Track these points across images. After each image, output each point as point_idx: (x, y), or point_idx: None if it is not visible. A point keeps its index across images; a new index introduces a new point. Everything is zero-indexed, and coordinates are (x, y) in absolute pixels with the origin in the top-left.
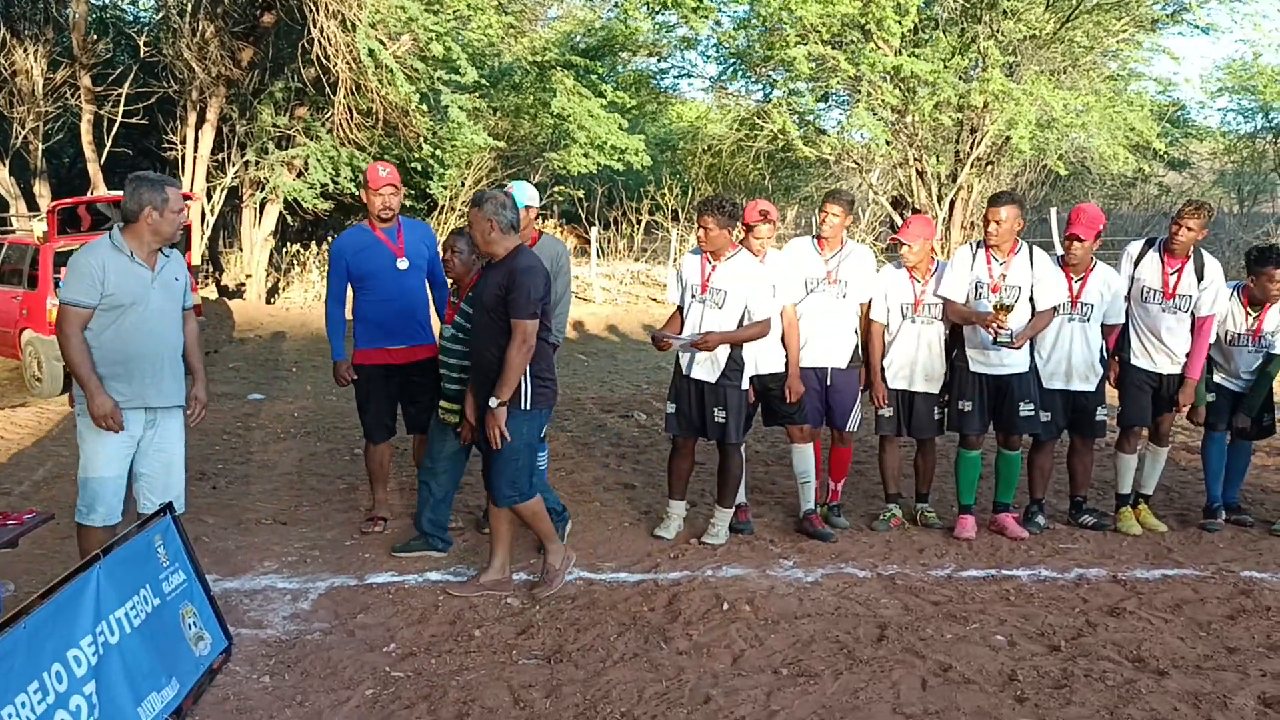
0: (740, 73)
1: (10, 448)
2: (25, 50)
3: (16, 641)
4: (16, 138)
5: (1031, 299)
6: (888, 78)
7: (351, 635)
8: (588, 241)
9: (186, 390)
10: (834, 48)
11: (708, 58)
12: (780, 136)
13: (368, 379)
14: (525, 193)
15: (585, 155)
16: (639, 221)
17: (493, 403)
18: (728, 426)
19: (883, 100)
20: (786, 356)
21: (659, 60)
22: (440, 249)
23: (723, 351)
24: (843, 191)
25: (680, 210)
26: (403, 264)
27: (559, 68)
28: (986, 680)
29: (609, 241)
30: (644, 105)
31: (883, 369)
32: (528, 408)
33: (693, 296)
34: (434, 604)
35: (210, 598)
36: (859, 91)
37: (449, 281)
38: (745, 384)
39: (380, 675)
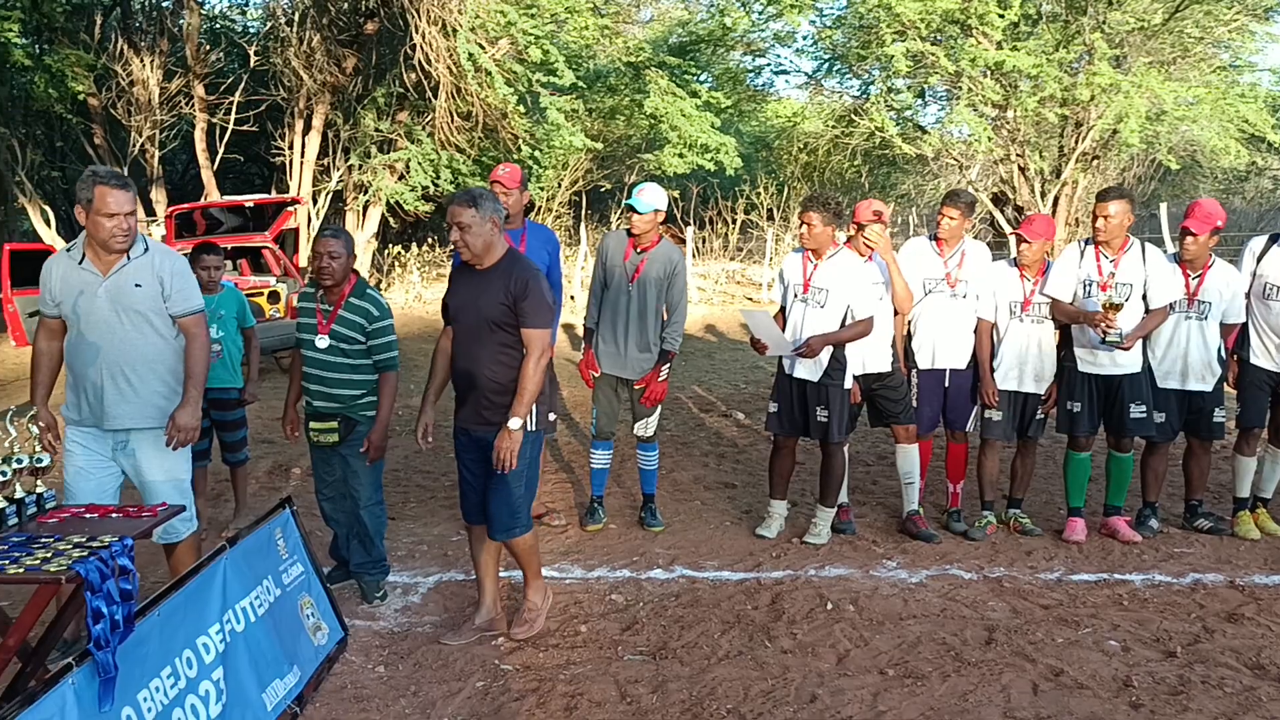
0: (836, 69)
1: None
2: (142, 61)
3: (150, 628)
4: (134, 145)
5: (1145, 297)
6: (989, 73)
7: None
8: (683, 242)
9: (163, 409)
10: (933, 44)
11: (803, 53)
12: (878, 133)
13: None
14: (658, 195)
15: (679, 155)
16: (734, 221)
17: (514, 424)
18: (830, 426)
19: (984, 96)
20: (894, 350)
21: (754, 57)
22: (311, 255)
23: (825, 351)
24: (962, 192)
25: (775, 209)
26: None
27: (653, 67)
28: (1100, 686)
29: (704, 241)
30: (739, 104)
31: (992, 368)
32: (533, 429)
33: (794, 296)
34: None
35: (327, 589)
36: (959, 88)
37: (318, 291)
38: (849, 383)
39: (490, 668)
